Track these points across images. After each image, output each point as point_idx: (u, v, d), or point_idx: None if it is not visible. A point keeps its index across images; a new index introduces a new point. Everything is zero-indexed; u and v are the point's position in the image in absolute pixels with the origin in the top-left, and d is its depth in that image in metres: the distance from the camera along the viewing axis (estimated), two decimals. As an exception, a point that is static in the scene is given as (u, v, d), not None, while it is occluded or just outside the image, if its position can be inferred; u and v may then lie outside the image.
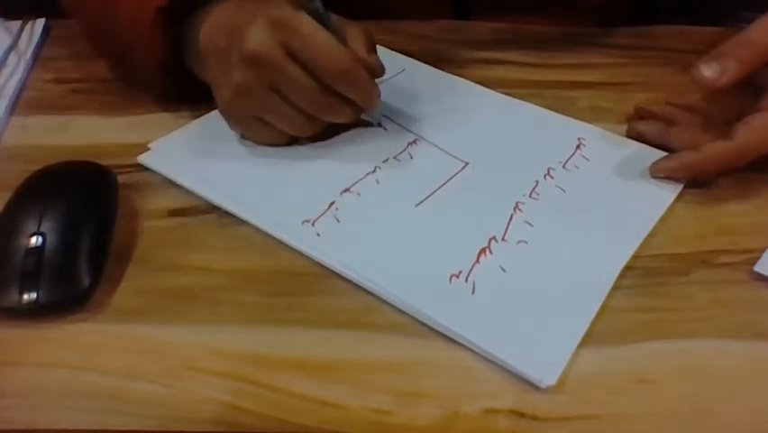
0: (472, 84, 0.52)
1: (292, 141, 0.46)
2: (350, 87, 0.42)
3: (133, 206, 0.43)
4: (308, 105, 0.42)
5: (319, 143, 0.46)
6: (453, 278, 0.37)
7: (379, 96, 0.44)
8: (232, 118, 0.45)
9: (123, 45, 0.48)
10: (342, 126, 0.46)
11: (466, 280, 0.37)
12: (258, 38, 0.40)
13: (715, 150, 0.41)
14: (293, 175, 0.44)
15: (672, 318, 0.36)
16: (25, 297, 0.36)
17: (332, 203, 0.42)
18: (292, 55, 0.40)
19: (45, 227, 0.37)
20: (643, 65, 0.55)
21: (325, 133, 0.46)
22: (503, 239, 0.40)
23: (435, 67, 0.54)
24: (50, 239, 0.37)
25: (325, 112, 0.43)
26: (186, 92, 0.48)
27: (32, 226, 0.37)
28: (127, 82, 0.52)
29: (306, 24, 0.40)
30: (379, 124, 0.48)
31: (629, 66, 0.55)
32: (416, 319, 0.36)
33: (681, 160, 0.43)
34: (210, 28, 0.44)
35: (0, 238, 0.38)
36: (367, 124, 0.48)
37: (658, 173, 0.43)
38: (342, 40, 0.42)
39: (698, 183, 0.43)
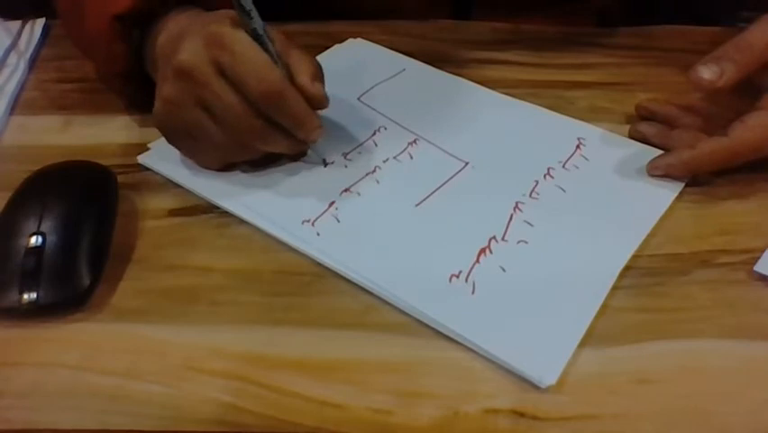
0: (472, 84, 0.52)
1: (231, 166, 0.44)
2: (279, 112, 0.39)
3: (133, 206, 0.43)
4: (235, 126, 0.39)
5: (319, 144, 0.46)
6: (453, 278, 0.37)
7: (321, 129, 0.41)
8: (163, 132, 0.43)
9: (89, 52, 0.48)
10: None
11: (466, 280, 0.37)
12: (189, 51, 0.38)
13: (711, 147, 0.41)
14: (293, 175, 0.44)
15: (671, 318, 0.36)
16: (25, 297, 0.36)
17: (332, 203, 0.42)
18: (223, 72, 0.38)
19: (45, 227, 0.37)
20: (643, 65, 0.55)
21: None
22: (503, 239, 0.40)
23: (435, 67, 0.54)
24: (50, 239, 0.37)
25: (254, 136, 0.40)
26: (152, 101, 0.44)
27: (32, 226, 0.37)
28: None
29: (240, 42, 0.38)
30: (325, 163, 0.45)
31: (629, 66, 0.55)
32: (416, 319, 0.36)
33: (677, 157, 0.43)
34: (164, 38, 0.43)
35: (0, 238, 0.38)
36: (312, 162, 0.45)
37: (655, 170, 0.43)
38: (285, 65, 0.40)
39: (697, 182, 0.43)
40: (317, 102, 0.41)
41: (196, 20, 0.41)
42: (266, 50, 0.39)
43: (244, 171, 0.44)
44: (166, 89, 0.40)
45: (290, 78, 0.40)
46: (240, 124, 0.39)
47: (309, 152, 0.45)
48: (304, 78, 0.40)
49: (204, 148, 0.42)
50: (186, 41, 0.39)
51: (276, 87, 0.38)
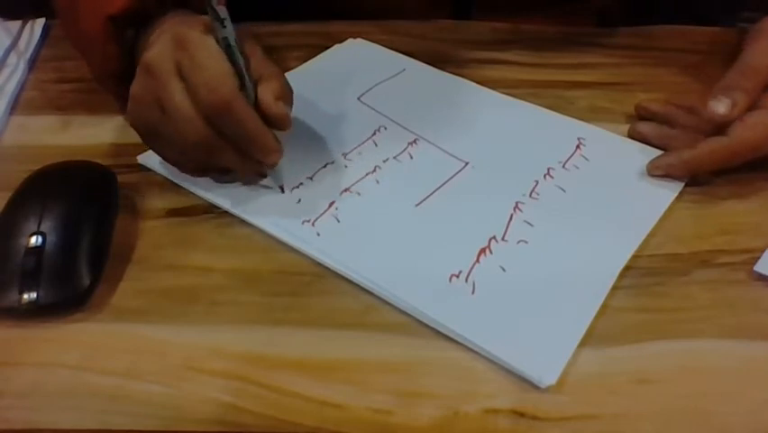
0: (472, 84, 0.52)
1: (208, 172, 0.43)
2: (227, 125, 0.37)
3: (133, 206, 0.43)
4: (183, 131, 0.38)
5: (318, 144, 0.46)
6: (453, 278, 0.37)
7: (279, 153, 0.39)
8: (134, 128, 0.42)
9: (84, 52, 0.48)
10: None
11: (466, 280, 0.37)
12: (156, 49, 0.39)
13: (710, 146, 0.42)
14: (293, 175, 0.44)
15: (672, 318, 0.36)
16: (25, 297, 0.36)
17: (332, 203, 0.42)
18: (181, 75, 0.38)
19: (45, 227, 0.37)
20: (643, 65, 0.55)
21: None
22: (503, 239, 0.40)
23: (435, 67, 0.54)
24: (50, 239, 0.37)
25: (201, 146, 0.39)
26: None
27: (32, 226, 0.37)
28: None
29: (203, 47, 0.37)
30: (282, 190, 0.43)
31: (629, 66, 0.55)
32: (416, 319, 0.36)
33: (677, 157, 0.43)
34: (153, 38, 0.42)
35: (0, 238, 0.38)
36: (267, 186, 0.43)
37: (655, 170, 0.43)
38: (254, 82, 0.39)
39: (697, 182, 0.43)
40: (278, 122, 0.39)
41: (186, 22, 0.41)
42: (233, 62, 0.37)
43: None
44: (133, 86, 0.40)
45: (255, 95, 0.39)
46: (188, 130, 0.38)
47: (268, 176, 0.43)
48: (267, 95, 0.38)
49: (168, 149, 0.42)
50: (156, 41, 0.39)
51: (225, 98, 0.37)
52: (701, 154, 0.42)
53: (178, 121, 0.38)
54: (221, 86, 0.37)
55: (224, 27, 0.37)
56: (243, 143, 0.39)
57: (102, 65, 0.46)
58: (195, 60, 0.37)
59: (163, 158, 0.43)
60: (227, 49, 0.38)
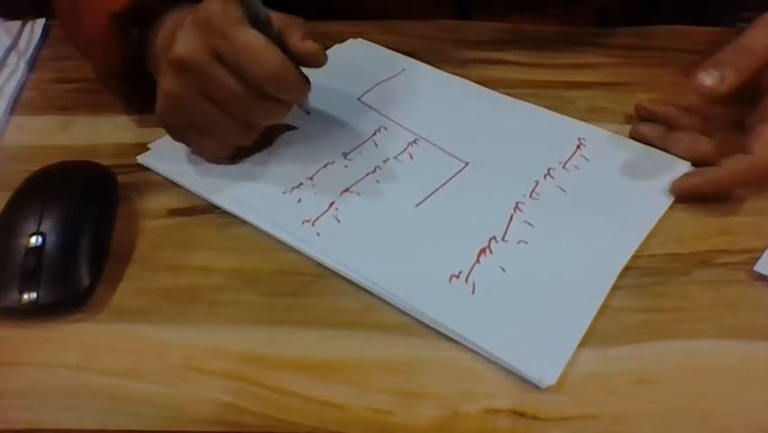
0: (472, 84, 0.52)
1: (240, 154, 0.44)
2: (280, 89, 0.39)
3: (133, 206, 0.43)
4: (241, 111, 0.40)
5: (318, 144, 0.46)
6: (453, 278, 0.37)
7: (309, 86, 0.41)
8: (167, 127, 0.43)
9: (86, 51, 0.48)
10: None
11: (466, 280, 0.37)
12: (184, 42, 0.38)
13: (736, 166, 0.41)
14: (293, 176, 0.44)
15: (672, 318, 0.36)
16: (25, 297, 0.36)
17: (332, 203, 0.42)
18: (220, 59, 0.38)
19: (45, 227, 0.37)
20: (642, 65, 0.55)
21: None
22: (503, 239, 0.40)
23: (435, 67, 0.54)
24: (50, 239, 0.37)
25: (261, 116, 0.41)
26: (150, 102, 0.43)
27: (32, 226, 0.37)
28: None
29: (233, 25, 0.37)
30: (308, 113, 0.46)
31: (629, 66, 0.55)
32: (416, 319, 0.36)
33: (703, 177, 0.42)
34: (162, 35, 0.42)
35: (0, 238, 0.38)
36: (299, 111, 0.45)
37: (681, 192, 0.42)
38: (283, 40, 0.39)
39: (719, 198, 0.42)
40: (314, 59, 0.40)
41: (191, 8, 0.41)
42: (267, 31, 0.38)
43: (245, 171, 0.44)
44: (165, 84, 0.40)
45: (282, 44, 0.39)
46: (248, 109, 0.39)
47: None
48: (296, 40, 0.39)
49: (210, 138, 0.42)
50: (179, 33, 0.39)
51: (275, 70, 0.37)
52: (729, 174, 0.41)
53: (234, 104, 0.39)
54: (268, 58, 0.37)
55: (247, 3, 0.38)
56: (292, 98, 0.41)
57: (105, 63, 0.46)
58: (232, 42, 0.37)
59: (197, 149, 0.44)
60: (259, 22, 0.38)
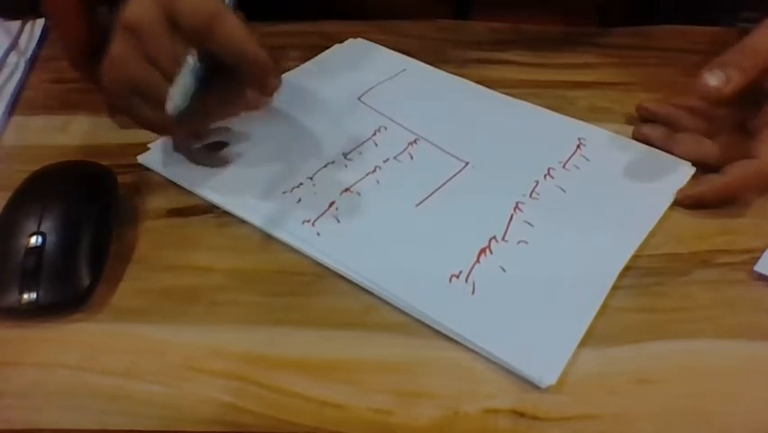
0: (472, 84, 0.52)
1: (197, 135, 0.44)
2: (220, 43, 0.37)
3: (133, 206, 0.43)
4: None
5: (318, 143, 0.46)
6: (453, 278, 0.37)
7: (279, 80, 0.40)
8: (109, 92, 0.41)
9: (56, 29, 0.47)
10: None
11: (466, 280, 0.37)
12: (137, 4, 0.37)
13: (742, 172, 0.41)
14: (293, 175, 0.44)
15: (672, 318, 0.36)
16: (25, 297, 0.36)
17: (332, 203, 0.42)
18: (172, 23, 0.37)
19: (45, 227, 0.37)
20: (643, 65, 0.55)
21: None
22: (503, 239, 0.40)
23: (435, 67, 0.54)
24: (50, 239, 0.37)
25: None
26: None
27: (32, 226, 0.37)
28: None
29: None
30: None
31: (629, 66, 0.55)
32: (416, 319, 0.36)
33: (709, 184, 0.42)
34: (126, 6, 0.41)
35: (0, 238, 0.38)
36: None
37: (687, 200, 0.42)
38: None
39: (724, 205, 0.42)
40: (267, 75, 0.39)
41: None
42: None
43: (244, 171, 0.44)
44: (113, 46, 0.39)
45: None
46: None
47: None
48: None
49: (152, 108, 0.40)
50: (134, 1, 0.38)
51: (211, 12, 0.36)
52: (735, 181, 0.41)
53: (165, 65, 0.37)
54: (204, 4, 0.36)
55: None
56: (257, 82, 0.39)
57: (74, 42, 0.45)
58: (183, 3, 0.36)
59: (143, 123, 0.42)
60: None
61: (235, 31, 0.37)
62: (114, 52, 0.39)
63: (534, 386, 0.33)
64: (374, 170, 0.44)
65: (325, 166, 0.45)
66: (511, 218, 0.41)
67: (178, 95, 0.36)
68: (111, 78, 0.40)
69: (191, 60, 0.37)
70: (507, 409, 0.32)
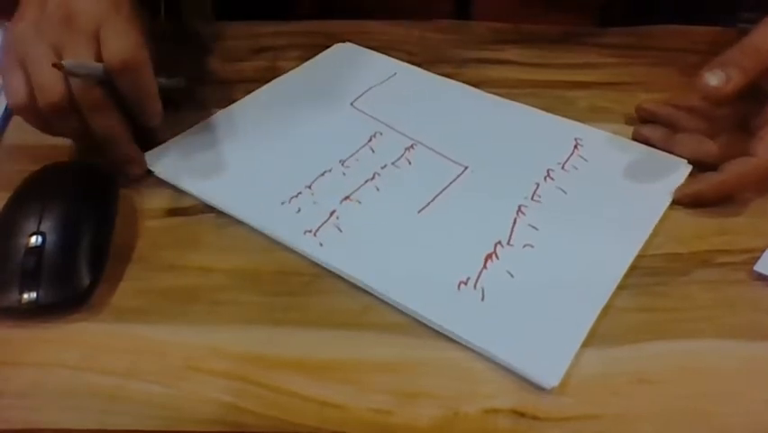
0: (464, 86, 0.52)
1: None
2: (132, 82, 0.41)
3: (133, 206, 0.43)
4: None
5: (313, 150, 0.46)
6: (462, 285, 0.37)
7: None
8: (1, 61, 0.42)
9: None
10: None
11: (475, 286, 0.37)
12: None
13: (739, 169, 0.40)
14: (290, 185, 0.43)
15: (672, 318, 0.36)
16: (25, 297, 0.36)
17: (332, 212, 0.41)
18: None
19: (45, 227, 0.37)
20: (643, 65, 0.55)
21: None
22: (509, 243, 0.39)
23: (435, 67, 0.54)
24: (50, 239, 0.37)
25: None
26: None
27: (32, 226, 0.37)
28: None
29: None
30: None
31: (629, 66, 0.55)
32: (416, 319, 0.36)
33: (707, 182, 0.42)
34: None
35: (0, 238, 0.38)
36: None
37: (685, 198, 0.42)
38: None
39: (722, 203, 0.42)
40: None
41: None
42: None
43: (244, 174, 0.44)
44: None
45: None
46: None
47: None
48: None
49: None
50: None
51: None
52: (731, 178, 0.41)
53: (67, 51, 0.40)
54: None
55: None
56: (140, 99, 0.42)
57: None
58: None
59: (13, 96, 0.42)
60: None
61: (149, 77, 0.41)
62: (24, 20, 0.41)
63: (534, 386, 0.33)
64: (373, 177, 0.44)
65: (323, 174, 0.44)
66: (515, 222, 0.41)
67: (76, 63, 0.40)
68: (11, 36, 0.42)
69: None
70: (507, 410, 0.32)
